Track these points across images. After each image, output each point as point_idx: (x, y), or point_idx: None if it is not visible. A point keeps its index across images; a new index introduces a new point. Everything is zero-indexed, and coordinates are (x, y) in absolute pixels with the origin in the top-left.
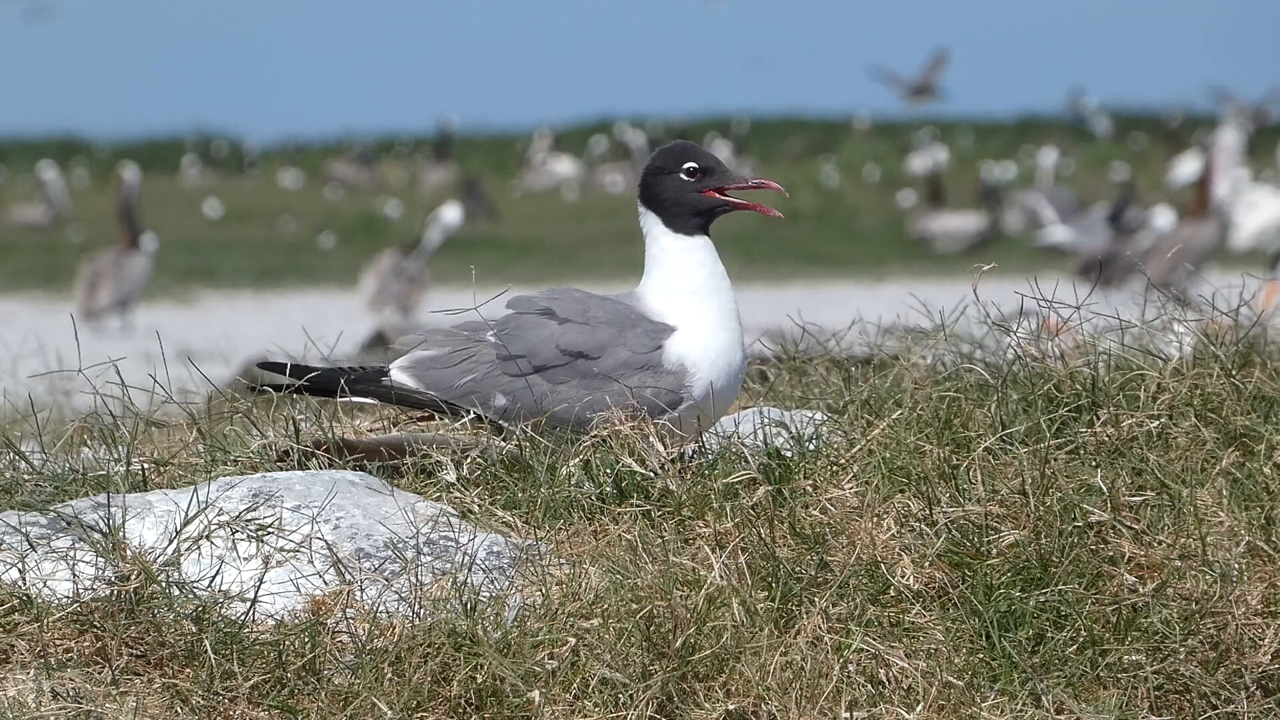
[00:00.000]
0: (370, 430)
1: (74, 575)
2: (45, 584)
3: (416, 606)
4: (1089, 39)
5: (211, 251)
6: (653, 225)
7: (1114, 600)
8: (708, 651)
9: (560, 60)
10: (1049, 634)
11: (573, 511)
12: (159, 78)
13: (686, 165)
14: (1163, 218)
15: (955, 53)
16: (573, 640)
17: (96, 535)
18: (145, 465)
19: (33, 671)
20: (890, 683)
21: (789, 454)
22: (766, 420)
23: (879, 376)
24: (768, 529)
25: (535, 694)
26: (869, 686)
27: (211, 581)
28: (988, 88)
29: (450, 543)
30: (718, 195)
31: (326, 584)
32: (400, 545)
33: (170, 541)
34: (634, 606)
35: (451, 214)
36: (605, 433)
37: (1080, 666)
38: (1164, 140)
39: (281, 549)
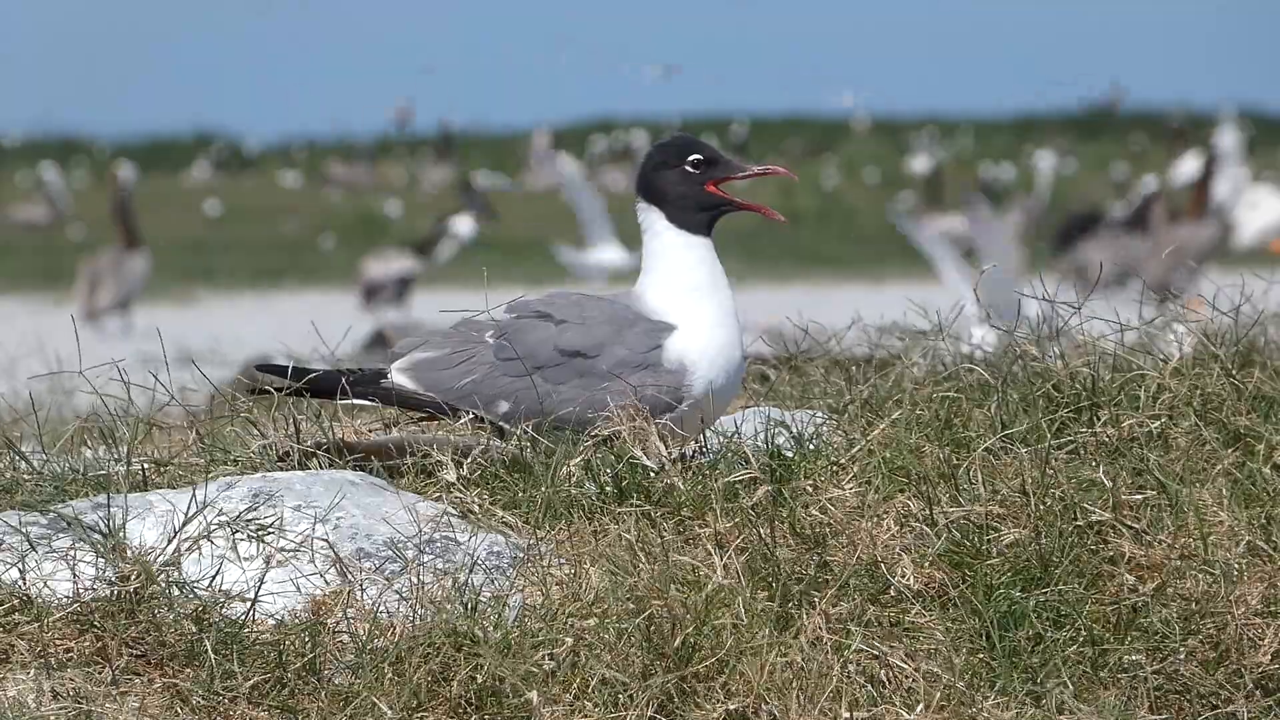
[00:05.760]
0: (370, 430)
1: (74, 575)
2: (45, 584)
3: (417, 606)
4: (1089, 38)
5: (211, 251)
6: (655, 220)
7: (1114, 600)
8: (707, 651)
9: (560, 60)
10: (1049, 634)
11: (573, 511)
12: (159, 78)
13: (691, 158)
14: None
15: (954, 51)
16: (573, 640)
17: (97, 535)
18: (145, 465)
19: (33, 671)
20: (890, 683)
21: (789, 454)
22: (768, 420)
23: (879, 376)
24: (768, 529)
25: (533, 695)
26: (869, 687)
27: (212, 581)
28: (988, 88)
29: (451, 543)
30: (720, 193)
31: (327, 584)
32: (401, 545)
33: (170, 541)
34: (634, 607)
35: (465, 226)
36: (606, 432)
37: (1080, 666)
38: (1165, 140)
39: (282, 549)
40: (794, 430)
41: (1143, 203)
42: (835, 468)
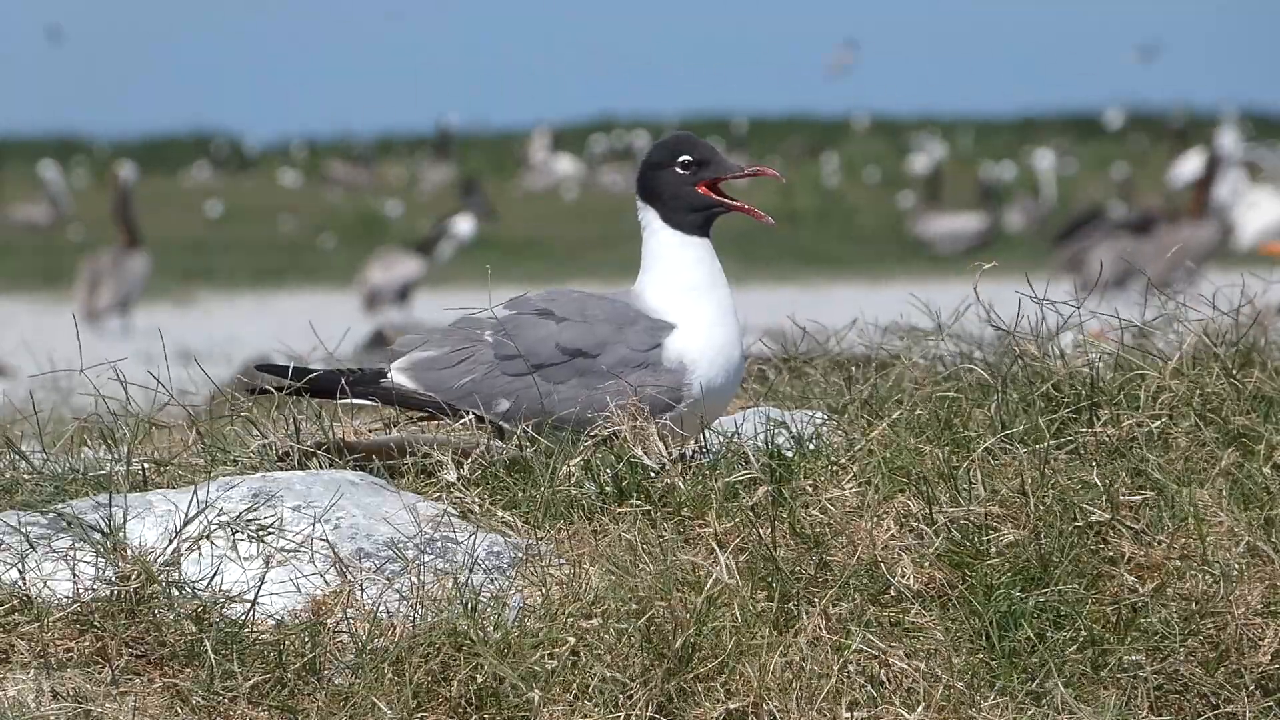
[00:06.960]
0: (370, 430)
1: (74, 575)
2: (45, 584)
3: (417, 606)
4: (1089, 38)
5: (211, 251)
6: (651, 220)
7: (1114, 600)
8: (707, 652)
9: (560, 60)
10: (1049, 634)
11: (573, 511)
12: (159, 78)
13: (681, 158)
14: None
15: (954, 51)
16: (572, 640)
17: (97, 535)
18: (145, 465)
19: (33, 671)
20: (890, 683)
21: (789, 454)
22: (768, 420)
23: (879, 376)
24: (768, 529)
25: (535, 694)
26: (869, 687)
27: (211, 581)
28: (988, 88)
29: (451, 543)
30: (712, 194)
31: (327, 584)
32: (401, 545)
33: (170, 541)
34: (634, 607)
35: (465, 226)
36: (606, 432)
37: (1080, 666)
38: (1167, 140)
39: (282, 549)
40: (794, 430)
41: (1144, 212)
42: (835, 468)
